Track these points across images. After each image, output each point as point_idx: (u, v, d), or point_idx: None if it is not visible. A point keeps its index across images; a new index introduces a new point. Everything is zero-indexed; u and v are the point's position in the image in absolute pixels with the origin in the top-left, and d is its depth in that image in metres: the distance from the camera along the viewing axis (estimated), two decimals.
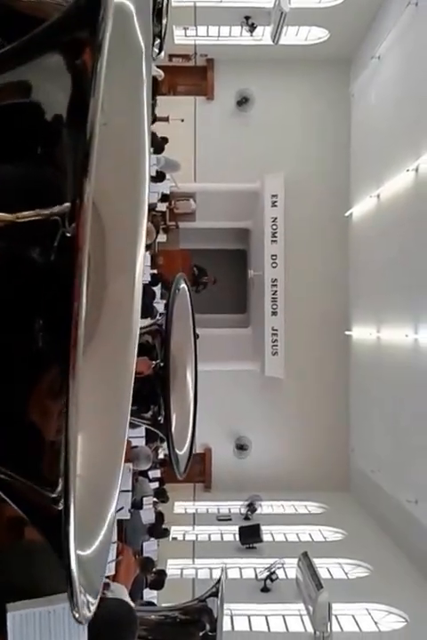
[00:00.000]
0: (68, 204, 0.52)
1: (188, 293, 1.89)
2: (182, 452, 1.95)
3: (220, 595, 2.94)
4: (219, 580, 3.03)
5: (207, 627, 2.86)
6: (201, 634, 2.88)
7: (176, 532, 13.34)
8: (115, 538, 3.89)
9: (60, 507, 0.52)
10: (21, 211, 0.54)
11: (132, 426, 3.06)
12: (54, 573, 3.02)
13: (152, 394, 1.79)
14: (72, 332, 0.49)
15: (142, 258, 0.81)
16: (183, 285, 1.88)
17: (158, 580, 7.95)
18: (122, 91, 0.69)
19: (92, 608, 0.62)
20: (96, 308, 0.76)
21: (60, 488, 0.52)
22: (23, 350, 0.55)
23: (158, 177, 10.90)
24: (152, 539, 8.43)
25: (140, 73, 0.72)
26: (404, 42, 12.19)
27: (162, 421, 1.82)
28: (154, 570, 7.97)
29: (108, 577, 4.41)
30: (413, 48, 11.69)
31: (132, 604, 4.45)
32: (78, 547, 0.57)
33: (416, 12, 11.43)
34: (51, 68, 0.60)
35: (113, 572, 3.97)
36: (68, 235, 0.50)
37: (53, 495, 0.53)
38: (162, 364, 1.75)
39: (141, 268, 0.81)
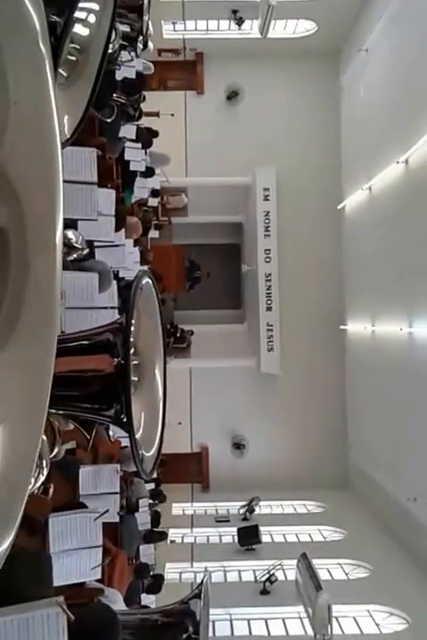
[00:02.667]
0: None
1: (154, 289, 1.79)
2: (150, 453, 1.83)
3: (203, 596, 2.82)
4: (202, 582, 2.91)
5: (190, 629, 2.75)
6: (184, 636, 2.78)
7: (174, 534, 13.21)
8: (100, 541, 3.78)
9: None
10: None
11: (92, 423, 2.95)
12: (33, 580, 2.90)
13: (114, 392, 1.67)
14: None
15: (61, 236, 0.80)
16: (147, 281, 1.77)
17: (155, 585, 7.86)
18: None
19: None
20: (19, 290, 0.78)
21: None
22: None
23: (148, 172, 10.73)
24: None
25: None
26: (391, 34, 12.17)
27: (124, 419, 1.72)
28: (150, 574, 7.86)
29: (101, 582, 4.29)
30: (400, 40, 11.69)
31: (122, 608, 4.34)
32: None
33: (403, 3, 11.41)
34: None
35: (99, 576, 3.85)
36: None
37: None
38: (122, 362, 1.64)
39: (61, 248, 0.81)
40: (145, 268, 9.66)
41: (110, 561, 4.81)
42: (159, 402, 2.02)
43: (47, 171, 0.77)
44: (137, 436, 1.72)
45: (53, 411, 1.94)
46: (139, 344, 1.68)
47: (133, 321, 1.62)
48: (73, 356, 1.52)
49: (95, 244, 4.72)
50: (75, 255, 3.98)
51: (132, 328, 1.60)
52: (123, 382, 1.70)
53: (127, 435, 1.73)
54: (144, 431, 1.80)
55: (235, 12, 14.71)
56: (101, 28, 1.74)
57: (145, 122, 10.43)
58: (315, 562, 10.60)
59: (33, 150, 0.75)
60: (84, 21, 1.71)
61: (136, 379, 1.74)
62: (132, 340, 1.61)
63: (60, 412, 2.03)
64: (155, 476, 10.17)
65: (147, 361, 1.85)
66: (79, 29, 1.70)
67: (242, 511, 14.24)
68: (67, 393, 1.52)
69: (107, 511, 3.81)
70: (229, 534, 13.47)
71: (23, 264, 0.76)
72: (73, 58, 1.74)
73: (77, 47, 1.72)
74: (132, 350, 1.66)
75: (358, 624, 10.17)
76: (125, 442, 6.99)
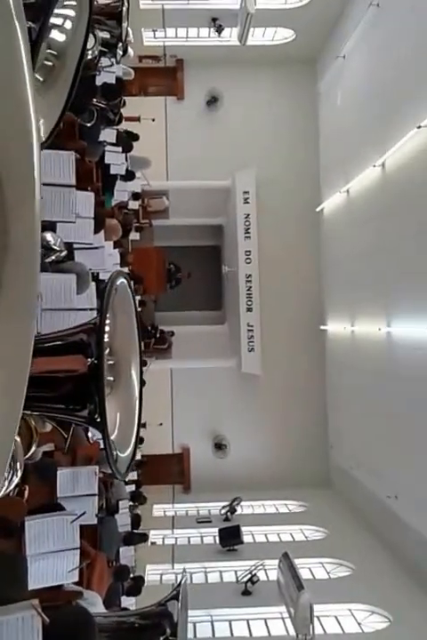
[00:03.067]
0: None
1: (129, 290, 1.79)
2: (126, 454, 1.82)
3: (181, 598, 2.84)
4: (180, 584, 2.93)
5: (168, 631, 2.77)
6: (161, 638, 2.79)
7: (155, 536, 13.18)
8: (77, 543, 3.77)
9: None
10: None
11: (69, 424, 2.96)
12: (7, 583, 2.89)
13: (88, 392, 1.67)
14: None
15: (40, 204, 0.78)
16: (122, 281, 1.77)
17: (135, 587, 7.84)
18: None
19: None
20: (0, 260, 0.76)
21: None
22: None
23: (128, 176, 10.74)
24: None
25: None
26: (367, 41, 12.40)
27: (98, 420, 1.71)
28: (131, 576, 7.84)
29: (80, 584, 4.28)
30: (376, 47, 11.94)
31: (101, 610, 4.34)
32: None
33: (378, 12, 11.65)
34: None
35: (76, 579, 3.83)
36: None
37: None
38: (96, 362, 1.64)
39: (40, 214, 0.79)
40: (125, 269, 9.65)
41: (89, 563, 4.79)
42: (135, 402, 2.01)
43: (23, 138, 0.77)
44: (112, 436, 1.71)
45: (28, 411, 1.95)
46: (114, 344, 1.66)
47: (108, 321, 1.62)
48: (47, 357, 1.54)
49: (74, 246, 4.73)
50: (53, 257, 3.98)
51: (108, 328, 1.59)
52: (96, 382, 1.69)
53: (102, 436, 1.73)
54: (119, 432, 1.78)
55: (214, 19, 14.94)
56: (78, 33, 1.76)
57: (126, 127, 10.47)
58: (297, 561, 10.58)
59: (7, 122, 0.74)
60: (60, 27, 1.73)
61: (111, 379, 1.73)
62: (107, 340, 1.60)
63: (35, 413, 2.04)
64: (135, 477, 10.14)
65: (123, 361, 1.83)
66: (55, 35, 1.72)
67: (223, 512, 14.27)
68: (40, 394, 1.53)
69: (84, 513, 3.80)
70: (211, 535, 13.48)
71: (2, 231, 0.75)
72: (49, 63, 1.76)
73: (54, 53, 1.74)
74: (107, 350, 1.64)
75: (339, 623, 10.19)
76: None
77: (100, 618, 2.81)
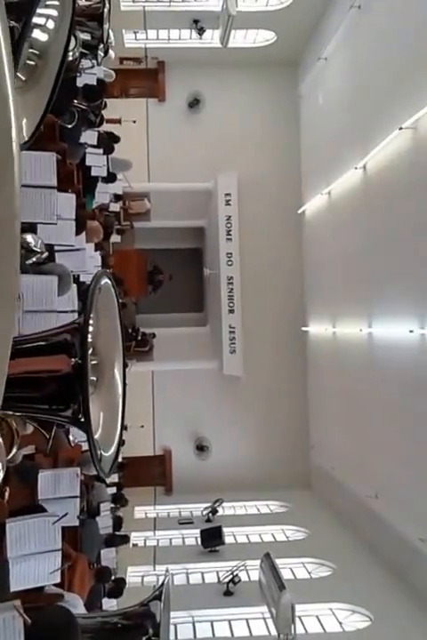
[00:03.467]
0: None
1: (113, 290, 1.78)
2: (109, 453, 1.82)
3: (163, 598, 2.83)
4: (163, 584, 2.93)
5: (150, 631, 2.76)
6: (144, 639, 2.78)
7: (137, 538, 13.14)
8: (59, 545, 3.74)
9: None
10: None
11: (58, 426, 2.94)
12: None
13: (71, 392, 1.67)
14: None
15: (19, 168, 0.75)
16: (106, 281, 1.76)
17: (116, 589, 7.80)
18: None
19: None
20: None
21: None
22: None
23: (109, 178, 10.70)
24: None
25: None
26: (348, 43, 12.48)
27: (82, 419, 1.70)
28: (112, 578, 7.80)
29: (61, 586, 4.25)
30: (357, 49, 12.01)
31: (81, 611, 4.31)
32: None
33: (359, 14, 11.72)
34: None
35: (57, 580, 3.79)
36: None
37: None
38: (80, 361, 1.63)
39: (19, 178, 0.76)
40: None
41: (70, 566, 4.77)
42: (118, 402, 2.00)
43: None
44: (96, 436, 1.71)
45: (10, 412, 1.93)
46: (98, 344, 1.66)
47: (92, 321, 1.62)
48: (30, 357, 1.53)
49: (55, 248, 4.70)
50: (34, 259, 3.95)
51: (91, 328, 1.59)
52: (80, 382, 1.68)
53: (85, 436, 1.73)
54: (103, 431, 1.77)
55: (196, 21, 14.98)
56: (60, 33, 1.76)
57: (107, 129, 10.42)
58: (278, 561, 10.60)
59: None
60: (42, 27, 1.73)
61: (95, 378, 1.73)
62: (90, 339, 1.60)
63: (17, 413, 2.03)
64: (116, 479, 10.10)
65: (106, 360, 1.82)
66: (38, 34, 1.72)
67: (205, 513, 14.27)
68: (24, 394, 1.53)
69: (66, 515, 3.78)
70: (193, 536, 13.47)
71: None
72: (32, 63, 1.75)
73: (36, 52, 1.74)
74: (90, 350, 1.64)
75: (321, 623, 10.22)
76: (86, 446, 6.92)
77: (82, 618, 2.80)
